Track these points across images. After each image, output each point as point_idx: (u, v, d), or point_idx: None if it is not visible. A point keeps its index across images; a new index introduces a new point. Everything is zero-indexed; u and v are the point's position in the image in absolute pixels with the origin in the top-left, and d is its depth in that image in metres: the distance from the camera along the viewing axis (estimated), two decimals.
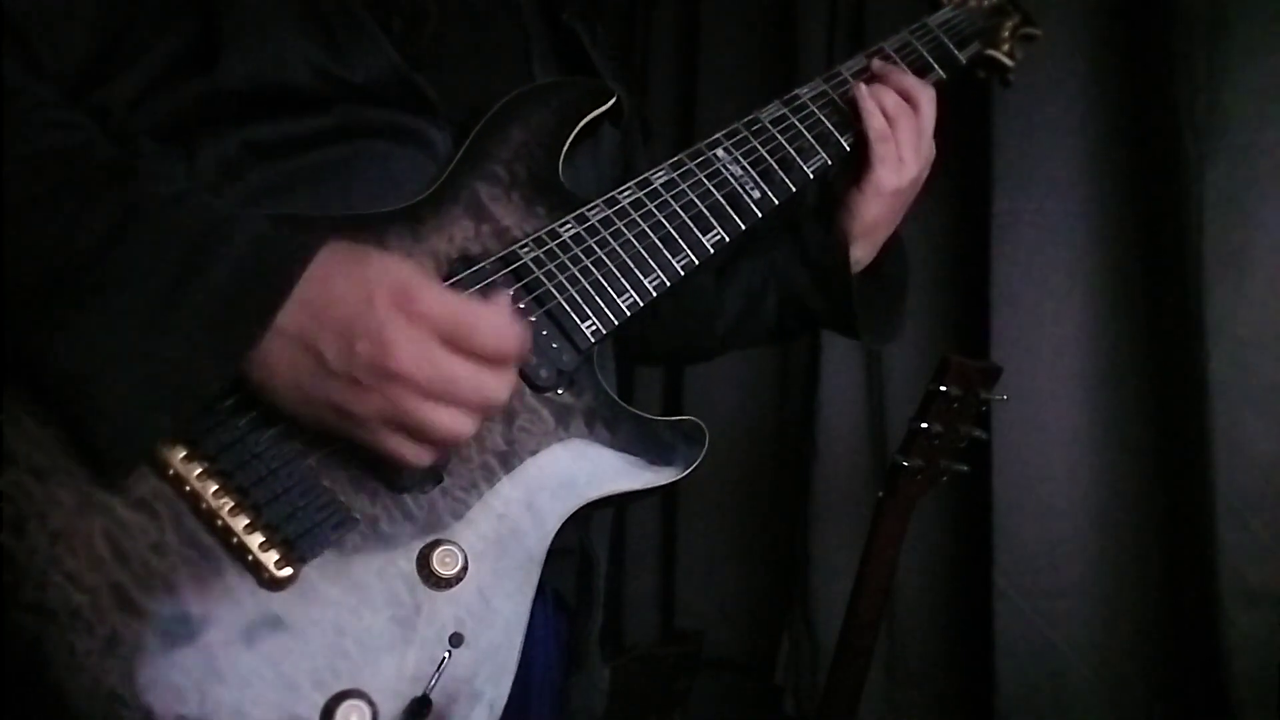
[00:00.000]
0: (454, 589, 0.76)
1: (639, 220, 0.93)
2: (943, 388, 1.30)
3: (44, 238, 0.67)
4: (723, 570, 2.41)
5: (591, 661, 1.02)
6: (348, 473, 0.75)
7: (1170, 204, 1.75)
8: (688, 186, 0.97)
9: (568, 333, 0.86)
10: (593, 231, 0.90)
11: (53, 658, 0.64)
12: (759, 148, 1.02)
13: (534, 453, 0.82)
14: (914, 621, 2.08)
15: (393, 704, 0.71)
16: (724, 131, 1.02)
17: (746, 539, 2.39)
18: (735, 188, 0.99)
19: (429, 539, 0.76)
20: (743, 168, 1.00)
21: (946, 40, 1.20)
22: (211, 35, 0.80)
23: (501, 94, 0.93)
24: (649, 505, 2.52)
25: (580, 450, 0.84)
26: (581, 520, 0.87)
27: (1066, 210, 1.90)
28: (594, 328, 0.87)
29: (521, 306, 0.84)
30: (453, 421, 0.70)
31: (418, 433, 0.71)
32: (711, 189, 0.98)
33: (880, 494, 1.36)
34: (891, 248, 1.16)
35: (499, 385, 0.73)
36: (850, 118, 1.08)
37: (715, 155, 1.00)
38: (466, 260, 0.85)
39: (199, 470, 0.70)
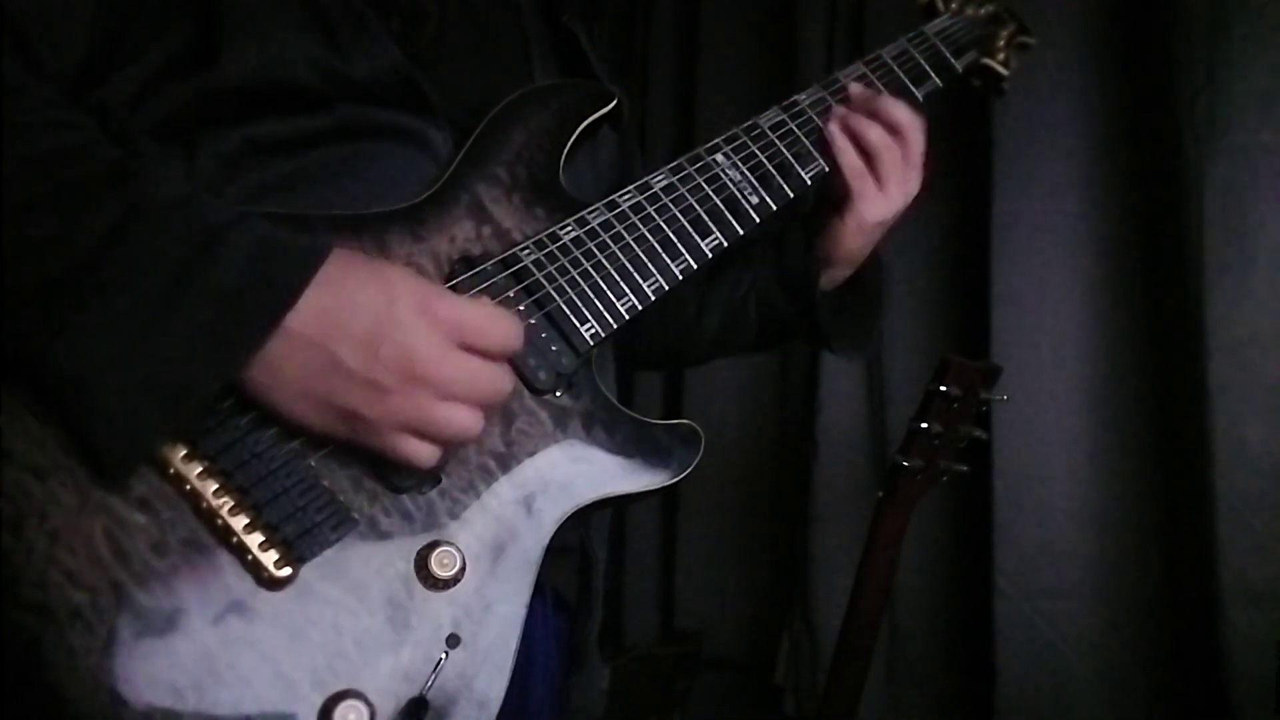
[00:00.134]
0: (451, 590, 0.76)
1: (638, 224, 0.93)
2: (943, 388, 1.30)
3: (44, 238, 0.67)
4: (723, 570, 2.41)
5: (591, 661, 1.02)
6: (347, 473, 0.76)
7: (1170, 204, 1.75)
8: (687, 191, 0.97)
9: (567, 335, 0.86)
10: (593, 235, 0.90)
11: (52, 657, 0.64)
12: (758, 153, 1.02)
13: (532, 454, 0.83)
14: (914, 621, 2.08)
15: (390, 704, 0.71)
16: (723, 136, 1.02)
17: (746, 539, 2.39)
18: (733, 193, 0.99)
19: (427, 540, 0.76)
20: (741, 173, 1.00)
21: (943, 48, 1.20)
22: (211, 33, 0.80)
23: (501, 95, 0.93)
24: (649, 505, 2.52)
25: (578, 452, 0.85)
26: (580, 520, 0.87)
27: (1066, 210, 1.90)
28: (593, 331, 0.87)
29: (521, 309, 0.84)
30: (466, 417, 0.73)
31: (431, 433, 0.73)
32: (710, 194, 0.98)
33: (880, 494, 1.36)
34: (870, 261, 1.15)
35: (506, 378, 0.77)
36: (824, 150, 1.06)
37: (714, 160, 1.00)
38: (467, 262, 0.85)
39: (199, 469, 0.71)
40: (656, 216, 0.94)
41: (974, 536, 1.95)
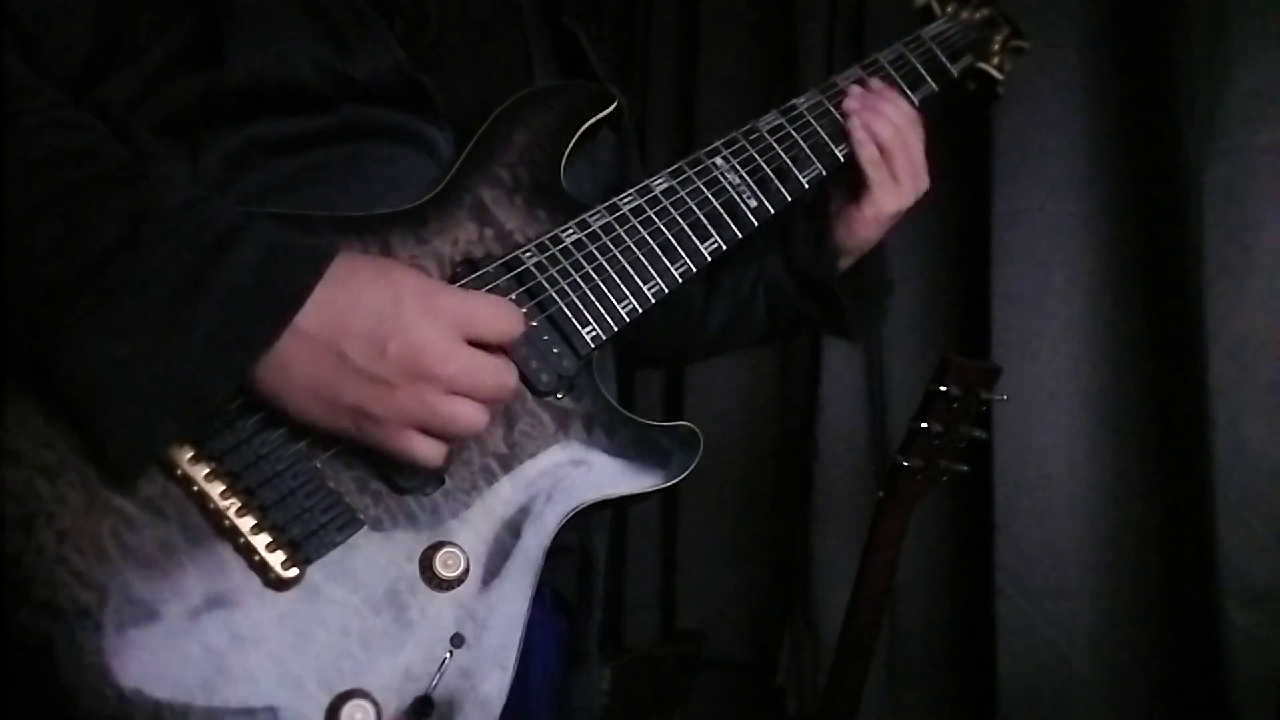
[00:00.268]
0: (455, 590, 0.77)
1: (639, 227, 0.93)
2: (943, 388, 1.30)
3: (54, 240, 0.67)
4: (723, 570, 2.41)
5: (591, 661, 1.02)
6: (352, 474, 0.76)
7: (1170, 204, 1.75)
8: (686, 194, 0.97)
9: (568, 337, 0.87)
10: (594, 237, 0.91)
11: (61, 657, 0.65)
12: (756, 157, 1.03)
13: (534, 456, 0.83)
14: (914, 621, 2.08)
15: (395, 703, 0.72)
16: (722, 140, 1.03)
17: (746, 539, 2.39)
18: (732, 196, 1.00)
19: (431, 540, 0.77)
20: (740, 176, 1.01)
21: (939, 53, 1.21)
22: (214, 32, 0.80)
23: (502, 96, 0.93)
24: (649, 505, 2.52)
25: (579, 454, 0.85)
26: (580, 520, 0.88)
27: (1066, 210, 1.90)
28: (594, 333, 0.88)
29: (524, 311, 0.85)
30: (472, 412, 0.74)
31: (437, 428, 0.73)
32: (710, 197, 0.98)
33: (880, 494, 1.37)
34: (872, 249, 1.18)
35: (511, 374, 0.78)
36: (821, 154, 1.08)
37: (714, 164, 1.00)
38: (470, 264, 0.85)
39: (206, 470, 0.71)
40: (657, 220, 0.95)
41: (974, 536, 1.96)
